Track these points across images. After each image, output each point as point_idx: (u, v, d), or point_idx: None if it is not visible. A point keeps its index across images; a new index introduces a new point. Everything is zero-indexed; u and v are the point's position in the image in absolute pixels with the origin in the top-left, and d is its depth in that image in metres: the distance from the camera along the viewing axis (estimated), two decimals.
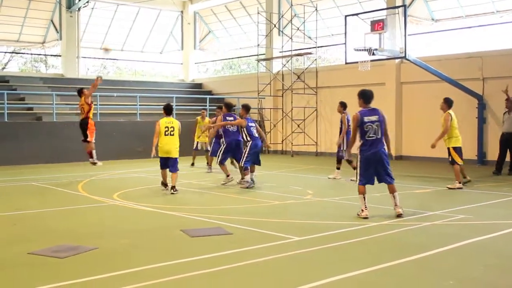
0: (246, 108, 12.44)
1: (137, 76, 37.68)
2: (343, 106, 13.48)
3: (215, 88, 28.02)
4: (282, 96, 23.70)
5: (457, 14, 19.39)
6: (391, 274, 5.58)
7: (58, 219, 8.82)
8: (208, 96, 24.47)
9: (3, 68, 35.99)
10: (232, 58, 35.13)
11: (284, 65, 23.54)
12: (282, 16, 23.58)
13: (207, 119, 17.18)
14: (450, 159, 11.87)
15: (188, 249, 6.58)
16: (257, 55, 24.32)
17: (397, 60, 18.80)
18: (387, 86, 19.79)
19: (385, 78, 19.83)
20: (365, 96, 8.58)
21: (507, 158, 14.83)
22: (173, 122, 11.45)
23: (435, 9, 19.81)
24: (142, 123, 20.83)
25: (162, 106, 11.71)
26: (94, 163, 14.14)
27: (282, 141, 23.45)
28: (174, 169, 11.37)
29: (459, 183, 11.69)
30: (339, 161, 13.64)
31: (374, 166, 8.47)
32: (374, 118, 8.42)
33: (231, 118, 12.63)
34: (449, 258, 6.13)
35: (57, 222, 8.53)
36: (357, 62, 15.27)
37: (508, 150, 14.73)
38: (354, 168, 12.75)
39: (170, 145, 11.33)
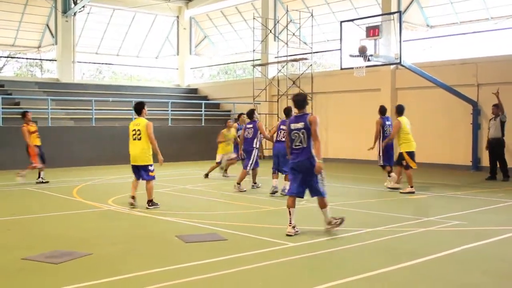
0: (284, 111, 11.34)
1: (133, 81, 37.65)
2: (380, 111, 13.18)
3: (211, 93, 28.04)
4: (278, 101, 23.73)
5: (452, 21, 19.49)
6: (386, 281, 5.58)
7: (52, 224, 8.80)
8: (203, 101, 24.49)
9: None
10: (228, 63, 35.17)
11: (280, 71, 23.57)
12: (278, 21, 23.64)
13: (233, 131, 15.40)
14: (404, 164, 12.19)
15: (183, 255, 6.57)
16: (253, 60, 24.35)
17: (392, 66, 18.85)
18: (382, 92, 19.85)
19: (380, 84, 19.89)
20: (295, 102, 7.84)
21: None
22: (140, 123, 9.83)
23: (430, 16, 19.90)
24: None
25: None
26: (21, 175, 14.23)
27: None
28: (146, 177, 9.96)
29: (411, 187, 12.02)
30: (384, 168, 13.11)
31: (303, 177, 7.71)
32: (299, 125, 7.65)
33: (250, 126, 12.56)
34: (445, 264, 6.13)
35: (52, 227, 8.51)
36: (352, 68, 15.29)
37: (495, 155, 14.78)
38: (389, 173, 12.82)
39: (136, 151, 9.83)
